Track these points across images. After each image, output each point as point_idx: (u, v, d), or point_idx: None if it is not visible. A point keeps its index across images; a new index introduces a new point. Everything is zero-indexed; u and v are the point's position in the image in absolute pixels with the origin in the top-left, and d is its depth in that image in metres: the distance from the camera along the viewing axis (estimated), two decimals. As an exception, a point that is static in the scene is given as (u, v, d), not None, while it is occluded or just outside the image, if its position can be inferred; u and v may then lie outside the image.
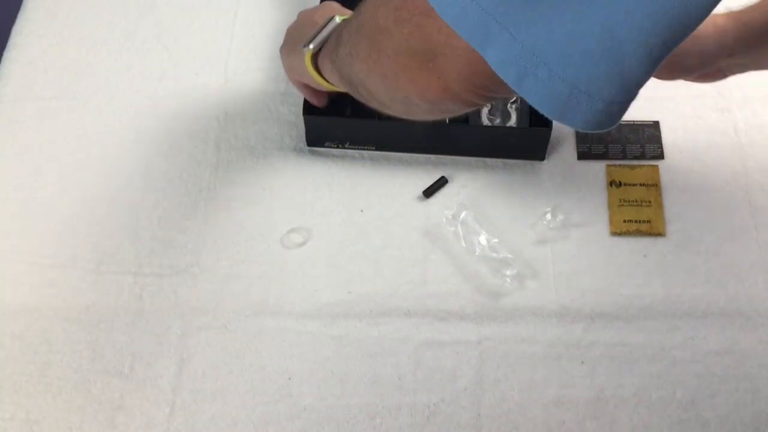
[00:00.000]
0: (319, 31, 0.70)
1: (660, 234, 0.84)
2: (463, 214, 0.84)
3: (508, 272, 0.81)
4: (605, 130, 0.44)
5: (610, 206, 0.86)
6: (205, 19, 1.00)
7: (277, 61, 0.96)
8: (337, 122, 0.88)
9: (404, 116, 0.58)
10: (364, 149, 0.90)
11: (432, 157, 0.89)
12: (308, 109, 0.86)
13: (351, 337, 0.79)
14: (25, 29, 0.99)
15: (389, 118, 0.65)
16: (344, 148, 0.89)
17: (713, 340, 0.79)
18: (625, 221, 0.85)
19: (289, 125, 0.92)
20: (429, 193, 0.86)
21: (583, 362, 0.78)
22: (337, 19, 0.70)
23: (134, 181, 0.88)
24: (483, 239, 0.82)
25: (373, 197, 0.87)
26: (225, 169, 0.89)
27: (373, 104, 0.59)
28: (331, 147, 0.90)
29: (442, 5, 0.44)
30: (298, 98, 0.91)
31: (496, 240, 0.83)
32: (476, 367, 0.77)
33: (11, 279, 0.82)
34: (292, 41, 0.79)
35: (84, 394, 0.76)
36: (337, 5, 0.79)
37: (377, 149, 0.89)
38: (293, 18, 0.82)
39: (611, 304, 0.80)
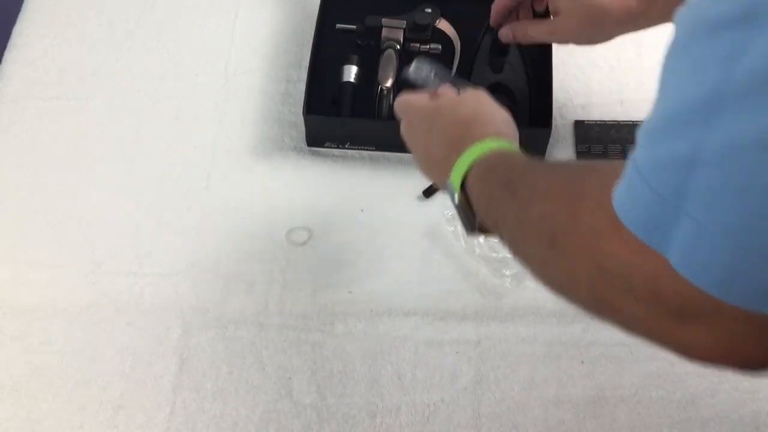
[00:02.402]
0: (466, 217, 0.62)
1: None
2: (462, 214, 0.84)
3: (507, 272, 0.81)
4: None
5: (609, 206, 0.86)
6: (205, 19, 1.00)
7: (277, 61, 0.96)
8: (337, 122, 0.87)
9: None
10: (364, 149, 0.90)
11: (432, 157, 0.89)
12: (308, 108, 0.86)
13: (351, 337, 0.79)
14: (25, 29, 0.99)
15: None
16: (344, 148, 0.89)
17: (713, 340, 0.79)
18: (624, 221, 0.84)
19: (289, 125, 0.92)
20: (429, 193, 0.86)
21: (582, 362, 0.78)
22: (456, 199, 0.61)
23: (134, 181, 0.88)
24: (483, 239, 0.82)
25: (373, 197, 0.87)
26: (225, 169, 0.89)
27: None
28: (331, 147, 0.90)
29: None
30: (298, 98, 0.91)
31: (495, 240, 0.83)
32: (476, 367, 0.77)
33: (11, 279, 0.82)
34: (442, 141, 0.65)
35: (84, 394, 0.76)
36: (508, 124, 0.66)
37: (377, 149, 0.89)
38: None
39: (611, 304, 0.80)
